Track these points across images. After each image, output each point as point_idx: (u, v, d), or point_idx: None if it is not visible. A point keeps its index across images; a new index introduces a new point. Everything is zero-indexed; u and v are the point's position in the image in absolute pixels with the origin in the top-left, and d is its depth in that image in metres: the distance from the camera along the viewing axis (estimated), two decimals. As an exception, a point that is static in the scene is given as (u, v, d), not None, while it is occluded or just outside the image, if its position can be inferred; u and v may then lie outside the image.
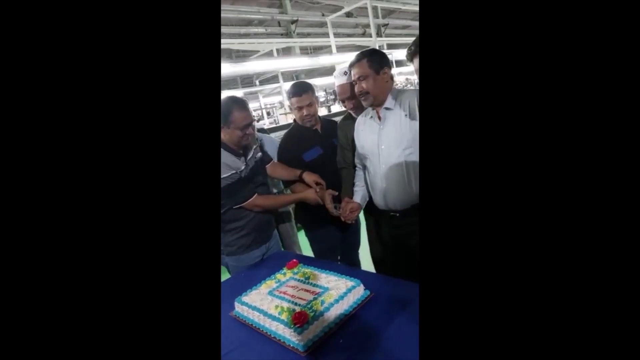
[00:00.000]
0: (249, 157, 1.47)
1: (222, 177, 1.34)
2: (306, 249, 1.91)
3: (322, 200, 1.47)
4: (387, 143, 1.30)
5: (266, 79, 8.34)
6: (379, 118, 1.33)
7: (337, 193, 1.49)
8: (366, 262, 1.78)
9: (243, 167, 1.42)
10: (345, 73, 1.48)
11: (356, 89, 1.34)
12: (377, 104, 1.32)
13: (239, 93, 5.97)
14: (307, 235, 1.77)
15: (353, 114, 1.55)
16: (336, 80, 1.57)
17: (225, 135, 1.39)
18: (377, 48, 5.71)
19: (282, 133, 1.77)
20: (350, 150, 1.54)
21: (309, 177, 1.53)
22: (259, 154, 1.54)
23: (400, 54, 6.55)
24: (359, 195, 1.47)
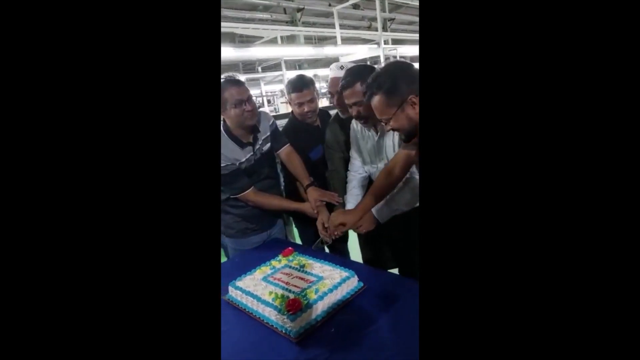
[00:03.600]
0: (256, 148, 1.37)
1: None
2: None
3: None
4: (383, 153, 1.30)
5: (268, 66, 8.24)
6: (376, 131, 1.28)
7: (341, 200, 1.38)
8: (356, 255, 1.79)
9: (243, 159, 1.34)
10: (342, 67, 1.39)
11: (352, 113, 1.21)
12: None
13: (240, 78, 5.88)
14: (295, 224, 1.77)
15: (341, 114, 1.46)
16: (331, 72, 1.46)
17: (228, 121, 1.31)
18: (380, 47, 5.68)
19: (281, 122, 1.70)
20: (339, 151, 1.48)
21: (312, 194, 1.37)
22: (267, 145, 1.42)
23: (405, 50, 6.50)
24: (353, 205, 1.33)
